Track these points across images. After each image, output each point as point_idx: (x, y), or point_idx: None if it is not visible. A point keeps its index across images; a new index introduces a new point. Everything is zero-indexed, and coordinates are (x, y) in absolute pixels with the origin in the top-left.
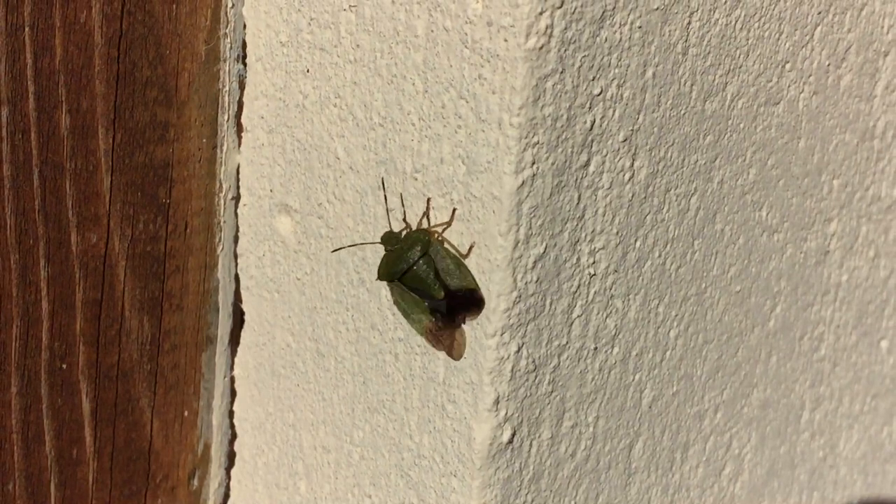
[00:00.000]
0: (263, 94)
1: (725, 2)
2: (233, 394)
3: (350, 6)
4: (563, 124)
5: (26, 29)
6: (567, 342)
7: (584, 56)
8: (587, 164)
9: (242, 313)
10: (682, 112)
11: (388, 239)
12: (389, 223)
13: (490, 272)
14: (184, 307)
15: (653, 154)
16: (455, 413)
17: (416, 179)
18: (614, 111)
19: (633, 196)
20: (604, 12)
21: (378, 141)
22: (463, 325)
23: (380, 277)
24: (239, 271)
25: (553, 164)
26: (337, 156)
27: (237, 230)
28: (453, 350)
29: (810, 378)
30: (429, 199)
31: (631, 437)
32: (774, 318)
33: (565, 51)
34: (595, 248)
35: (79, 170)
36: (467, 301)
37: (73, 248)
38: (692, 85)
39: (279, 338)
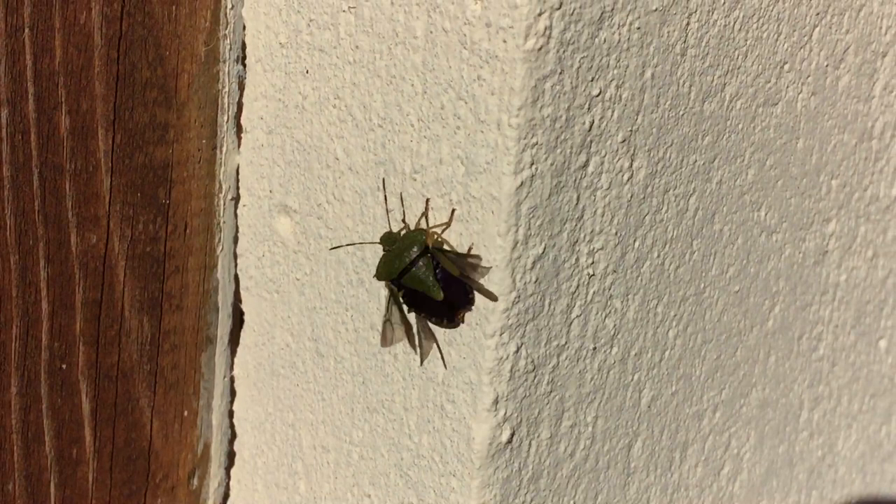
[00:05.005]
0: (263, 95)
1: (724, 3)
2: (232, 394)
3: (349, 7)
4: (561, 125)
5: (26, 30)
6: (566, 342)
7: (583, 57)
8: (586, 164)
9: (242, 313)
10: (681, 113)
11: (387, 239)
12: (389, 224)
13: (489, 273)
14: (183, 307)
15: (651, 155)
16: (454, 413)
17: (415, 180)
18: (613, 112)
19: (631, 196)
20: (602, 13)
21: (377, 142)
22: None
23: (378, 277)
24: (238, 272)
25: (552, 164)
26: (336, 156)
27: (237, 231)
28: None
29: (809, 378)
30: (427, 200)
31: (630, 437)
32: (773, 317)
33: (564, 52)
34: (594, 249)
35: (78, 171)
36: (462, 293)
37: (73, 248)
38: (691, 86)
39: (279, 338)
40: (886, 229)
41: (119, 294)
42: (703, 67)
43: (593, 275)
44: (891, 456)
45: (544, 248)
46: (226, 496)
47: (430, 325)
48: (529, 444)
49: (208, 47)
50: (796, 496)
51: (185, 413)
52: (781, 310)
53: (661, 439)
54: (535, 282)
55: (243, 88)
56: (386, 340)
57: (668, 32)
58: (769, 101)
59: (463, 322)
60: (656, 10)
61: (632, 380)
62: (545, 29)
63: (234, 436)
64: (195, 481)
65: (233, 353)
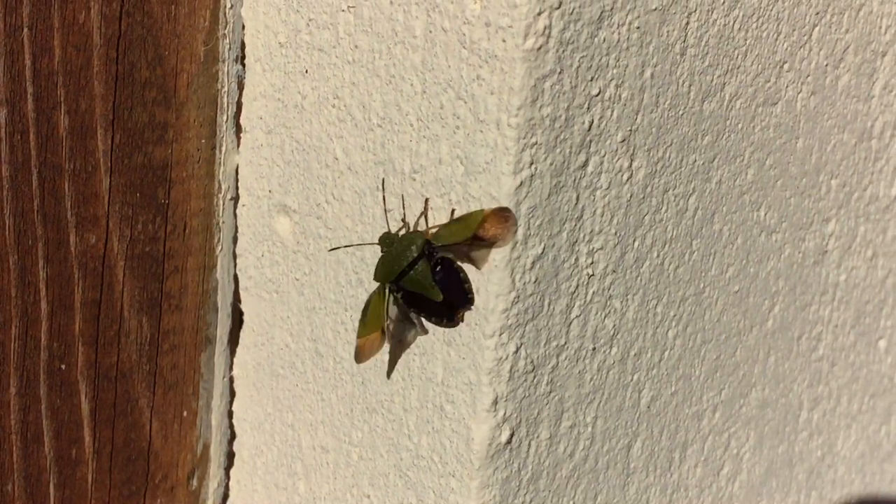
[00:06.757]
0: (262, 95)
1: (723, 2)
2: (232, 394)
3: (348, 7)
4: (561, 125)
5: (25, 30)
6: (565, 342)
7: (583, 56)
8: (585, 164)
9: (241, 313)
10: (681, 112)
11: (386, 240)
12: (388, 224)
13: (488, 272)
14: (183, 307)
15: (651, 154)
16: (453, 413)
17: (415, 180)
18: (612, 111)
19: (631, 196)
20: (602, 13)
21: (376, 141)
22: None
23: (376, 278)
24: (238, 272)
25: (551, 164)
26: (335, 156)
27: (236, 231)
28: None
29: (808, 378)
30: (427, 200)
31: (629, 437)
32: (773, 317)
33: (563, 51)
34: (593, 249)
35: (78, 170)
36: (461, 293)
37: (72, 248)
38: (690, 85)
39: (278, 338)
40: (886, 229)
41: (118, 294)
42: (702, 67)
43: (593, 275)
44: (890, 456)
45: (543, 248)
46: (225, 496)
47: (407, 335)
48: (529, 444)
49: (207, 47)
50: (796, 496)
51: (185, 413)
52: (781, 310)
53: (661, 439)
54: (535, 282)
55: (242, 88)
56: (386, 341)
57: (668, 32)
58: (769, 101)
59: (462, 322)
60: (656, 9)
61: (631, 380)
62: (544, 28)
63: (233, 436)
64: (194, 482)
65: (232, 353)
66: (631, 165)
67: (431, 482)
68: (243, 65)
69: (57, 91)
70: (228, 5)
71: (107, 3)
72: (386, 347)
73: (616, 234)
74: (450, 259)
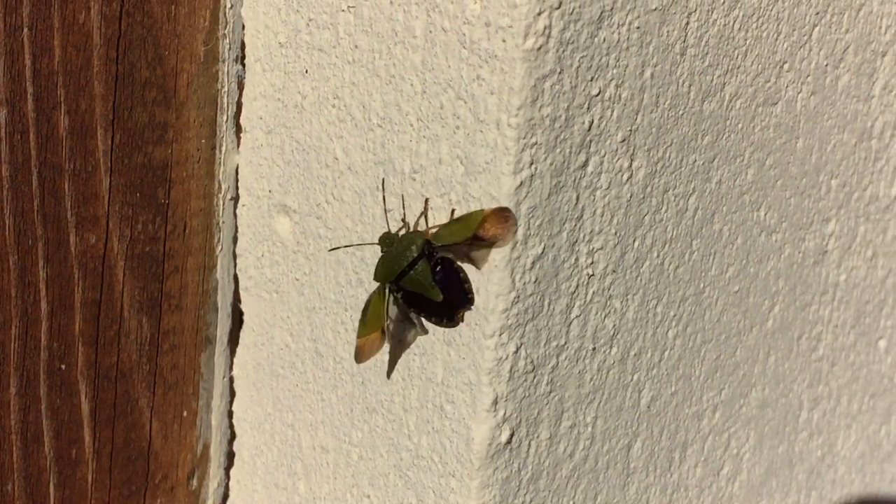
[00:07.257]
0: (262, 95)
1: (723, 2)
2: (232, 394)
3: (348, 7)
4: (561, 125)
5: (25, 30)
6: (565, 342)
7: (583, 56)
8: (585, 164)
9: (241, 313)
10: (681, 112)
11: (386, 240)
12: (388, 224)
13: (488, 272)
14: (183, 307)
15: (651, 154)
16: (453, 413)
17: (415, 180)
18: (612, 111)
19: (631, 196)
20: (602, 13)
21: (376, 141)
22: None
23: (376, 278)
24: (238, 272)
25: (551, 164)
26: (335, 156)
27: (236, 231)
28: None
29: (808, 378)
30: (427, 200)
31: (629, 437)
32: (773, 317)
33: (563, 51)
34: (593, 249)
35: (77, 170)
36: (461, 293)
37: (72, 248)
38: (690, 85)
39: (278, 338)
40: (886, 229)
41: (118, 294)
42: (702, 67)
43: (593, 275)
44: (890, 456)
45: (543, 248)
46: (225, 496)
47: (407, 335)
48: (529, 444)
49: (207, 47)
50: (796, 496)
51: (185, 413)
52: (781, 310)
53: (661, 439)
54: (535, 282)
55: (242, 88)
56: (386, 340)
57: (668, 32)
58: (769, 101)
59: (462, 322)
60: (656, 9)
61: (631, 380)
62: (544, 28)
63: (233, 436)
64: (194, 482)
65: (232, 353)
66: (631, 165)
67: (431, 482)
68: (243, 65)
69: (57, 91)
70: (228, 5)
71: (107, 3)
72: (386, 347)
73: (616, 234)
74: (450, 259)
